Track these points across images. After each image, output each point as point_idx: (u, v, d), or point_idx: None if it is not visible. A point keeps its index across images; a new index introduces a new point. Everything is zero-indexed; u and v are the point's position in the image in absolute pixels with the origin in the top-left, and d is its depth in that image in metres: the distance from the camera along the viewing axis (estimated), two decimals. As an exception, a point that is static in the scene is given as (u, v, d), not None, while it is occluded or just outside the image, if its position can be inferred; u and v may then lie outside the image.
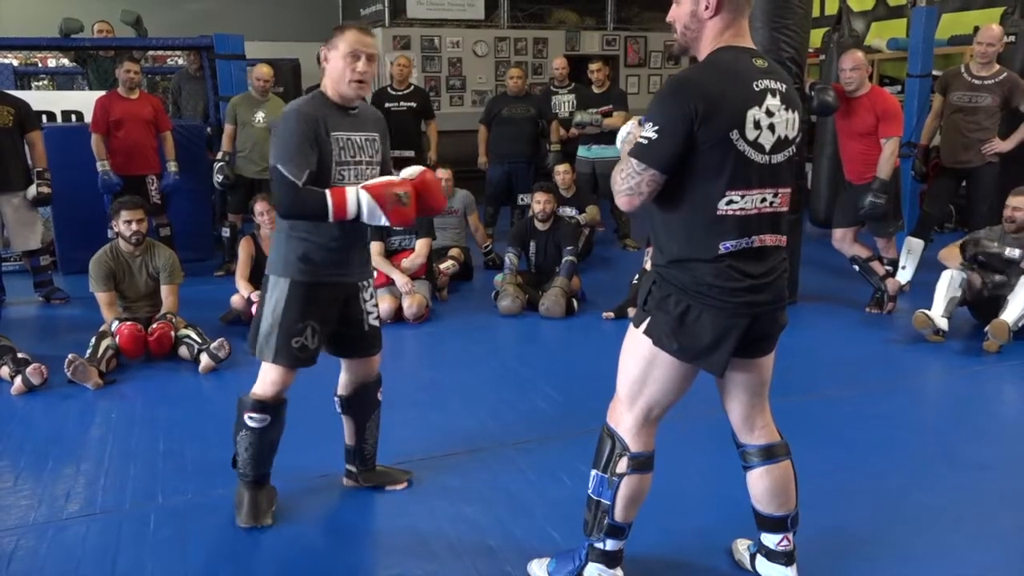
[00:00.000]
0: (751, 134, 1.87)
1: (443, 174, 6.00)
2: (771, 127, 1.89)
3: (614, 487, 2.07)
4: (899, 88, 7.09)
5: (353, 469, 2.87)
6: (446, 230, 5.91)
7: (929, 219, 5.64)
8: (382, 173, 2.61)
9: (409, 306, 4.88)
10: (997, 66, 5.34)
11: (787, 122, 1.93)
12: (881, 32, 8.49)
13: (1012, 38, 6.11)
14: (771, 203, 1.94)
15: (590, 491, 2.12)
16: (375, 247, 5.10)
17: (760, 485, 2.17)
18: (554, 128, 7.11)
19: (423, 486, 2.87)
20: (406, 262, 5.12)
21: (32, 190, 5.25)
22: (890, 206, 4.83)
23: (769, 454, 2.15)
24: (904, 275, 5.39)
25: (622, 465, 2.06)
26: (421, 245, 5.21)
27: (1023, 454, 3.16)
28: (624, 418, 2.07)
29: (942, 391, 4.04)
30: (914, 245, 5.40)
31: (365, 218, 2.38)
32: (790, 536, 2.21)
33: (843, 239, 5.08)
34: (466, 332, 4.81)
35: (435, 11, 9.95)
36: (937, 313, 4.35)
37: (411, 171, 2.54)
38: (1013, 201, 4.43)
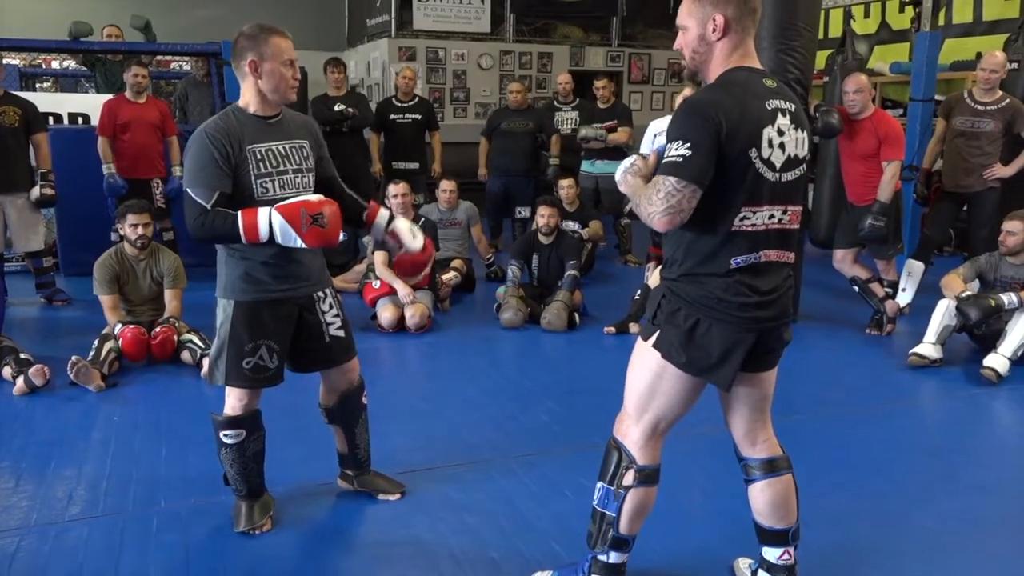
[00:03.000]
0: (765, 152, 1.90)
1: (447, 185, 6.04)
2: (782, 146, 1.93)
3: (620, 499, 2.08)
4: (901, 111, 7.14)
5: (348, 472, 2.88)
6: (449, 241, 5.93)
7: (930, 242, 5.68)
8: (319, 178, 2.58)
9: (411, 316, 4.89)
10: (1000, 92, 5.39)
11: (796, 141, 1.97)
12: (884, 56, 8.56)
13: (1015, 65, 6.17)
14: (780, 220, 1.98)
15: (595, 503, 2.14)
16: (379, 257, 5.13)
17: (762, 498, 2.18)
18: (554, 142, 7.15)
19: (425, 496, 2.87)
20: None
21: (36, 191, 5.27)
22: (890, 229, 4.86)
23: (771, 467, 2.16)
24: (904, 297, 5.42)
25: (629, 478, 2.07)
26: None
27: (1022, 479, 3.17)
28: (631, 431, 2.09)
29: (941, 414, 4.06)
30: (915, 268, 5.43)
31: (279, 239, 2.30)
32: (791, 550, 2.22)
33: (843, 260, 5.11)
34: (468, 343, 4.82)
35: (441, 23, 10.02)
36: (929, 341, 4.38)
37: (403, 227, 2.66)
38: (1007, 226, 4.46)
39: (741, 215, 1.92)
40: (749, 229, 1.93)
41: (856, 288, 5.11)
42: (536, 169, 7.18)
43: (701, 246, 1.95)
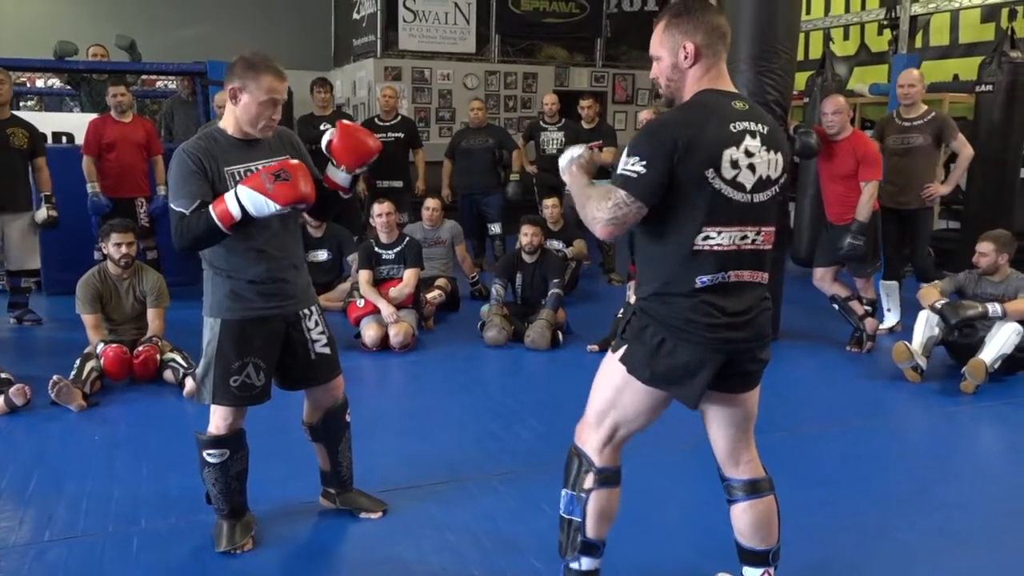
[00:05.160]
0: (728, 173, 1.93)
1: (431, 204, 6.07)
2: (751, 167, 1.96)
3: (583, 503, 2.12)
4: (880, 132, 7.23)
5: (330, 491, 2.88)
6: (433, 260, 5.95)
7: (891, 261, 5.73)
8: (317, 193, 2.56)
9: (395, 334, 4.90)
10: (925, 107, 5.46)
11: (769, 163, 1.99)
12: (863, 77, 8.69)
13: (989, 87, 6.29)
14: (753, 240, 2.01)
15: (562, 511, 2.18)
16: (364, 275, 5.15)
17: (744, 519, 2.20)
18: (515, 157, 7.22)
19: (407, 515, 2.87)
20: (394, 291, 5.15)
21: (43, 213, 5.31)
22: (869, 247, 4.93)
23: (753, 488, 2.18)
24: (891, 317, 5.52)
25: (589, 481, 2.12)
26: (409, 275, 5.24)
27: (999, 494, 3.21)
28: (590, 438, 2.14)
29: (920, 430, 4.10)
30: (889, 287, 5.54)
31: (252, 211, 2.27)
32: (771, 571, 2.24)
33: (823, 278, 5.17)
34: (452, 362, 4.84)
35: (426, 44, 10.10)
36: (915, 351, 4.43)
37: (325, 138, 2.56)
38: (979, 247, 4.54)
39: (703, 234, 1.95)
40: (715, 249, 1.96)
41: (836, 306, 5.17)
42: (499, 184, 7.24)
43: (667, 265, 2.00)
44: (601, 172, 6.74)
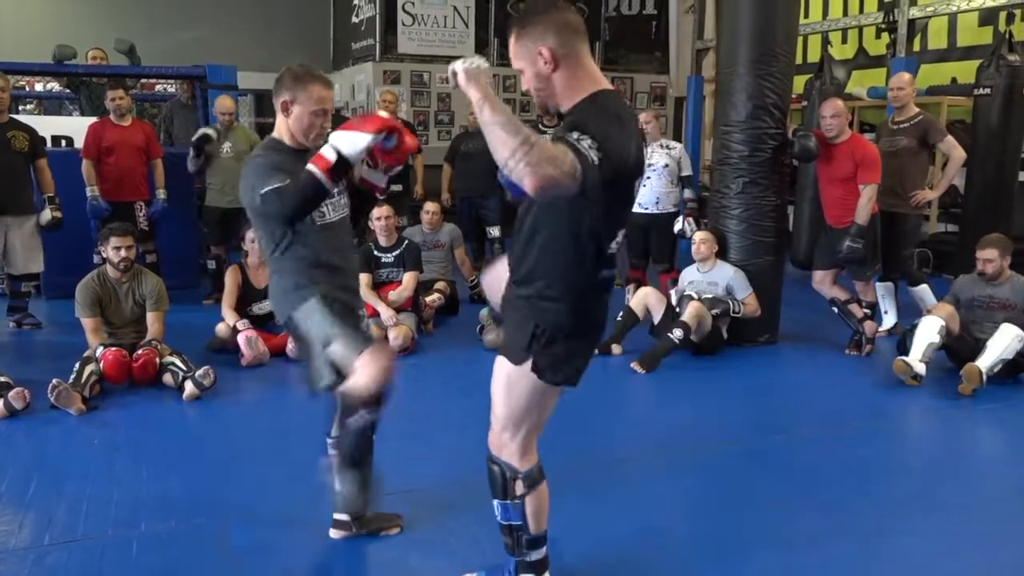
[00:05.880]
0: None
1: (430, 207, 6.08)
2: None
3: (520, 507, 2.18)
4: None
5: (345, 518, 2.72)
6: (433, 263, 5.95)
7: (887, 263, 5.73)
8: (351, 194, 2.61)
9: (395, 338, 4.90)
10: (915, 109, 5.46)
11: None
12: (862, 80, 8.71)
13: (987, 90, 6.30)
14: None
15: (500, 519, 2.23)
16: (363, 279, 5.14)
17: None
18: None
19: (407, 519, 2.86)
20: (393, 295, 5.15)
21: (47, 215, 5.31)
22: (868, 250, 4.94)
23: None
24: (889, 319, 5.52)
25: (519, 487, 2.17)
26: (408, 278, 5.25)
27: (998, 496, 3.21)
28: (507, 446, 2.17)
29: (919, 433, 4.10)
30: (886, 289, 5.54)
31: (346, 151, 2.27)
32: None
33: (822, 281, 5.18)
34: (451, 365, 4.84)
35: (425, 47, 10.13)
36: (915, 358, 4.43)
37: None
38: (983, 254, 4.54)
39: (617, 238, 2.03)
40: (613, 248, 2.05)
41: (835, 309, 5.17)
42: (498, 187, 7.22)
43: (582, 260, 1.99)
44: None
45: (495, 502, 2.21)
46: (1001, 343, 4.28)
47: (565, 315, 2.02)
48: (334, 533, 2.72)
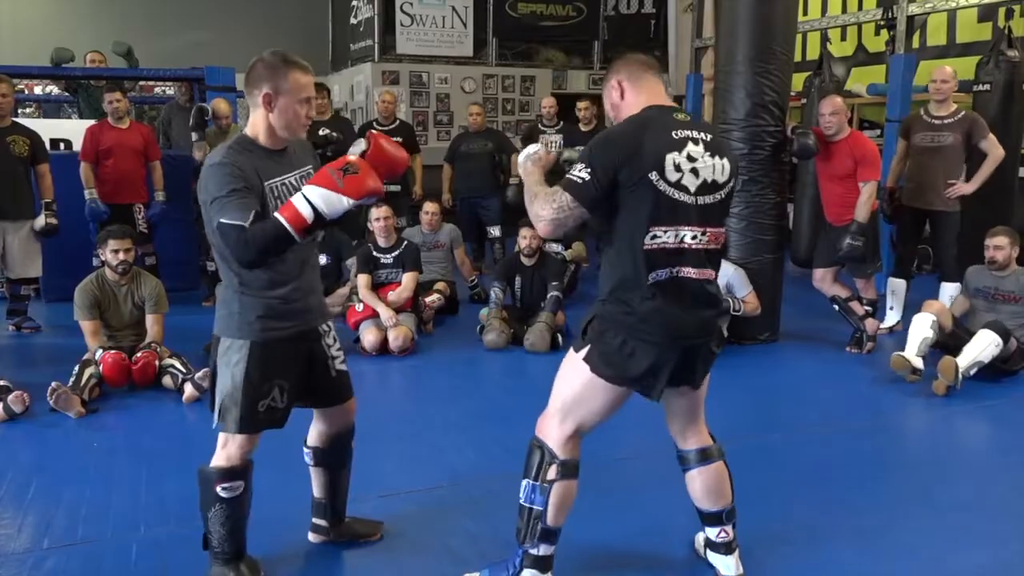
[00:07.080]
0: (672, 176, 2.10)
1: (430, 208, 6.08)
2: (695, 171, 2.12)
3: (546, 493, 2.24)
4: (878, 132, 7.25)
5: (323, 523, 2.69)
6: (432, 264, 5.95)
7: (902, 259, 5.73)
8: None
9: (395, 338, 4.90)
10: (955, 105, 5.41)
11: (713, 167, 2.16)
12: (861, 77, 8.69)
13: (987, 86, 6.28)
14: (699, 240, 2.16)
15: (522, 500, 2.28)
16: (362, 280, 5.15)
17: (696, 484, 2.43)
18: (514, 162, 7.21)
19: (407, 520, 2.86)
20: (392, 295, 5.15)
21: (41, 220, 5.30)
22: (868, 248, 4.92)
23: (703, 456, 2.42)
24: (892, 316, 5.51)
25: (552, 472, 2.24)
26: (408, 279, 5.24)
27: (998, 495, 3.20)
28: (554, 432, 2.26)
29: (919, 431, 4.09)
30: (896, 286, 5.51)
31: (325, 211, 2.06)
32: (728, 529, 2.44)
33: (823, 279, 5.17)
34: (451, 365, 4.83)
35: (424, 47, 10.12)
36: (911, 353, 4.42)
37: (353, 150, 2.27)
38: (994, 241, 4.51)
39: (651, 234, 2.11)
40: (662, 247, 2.12)
41: (836, 307, 5.16)
42: (498, 187, 7.24)
43: (622, 266, 2.16)
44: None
45: (524, 481, 2.27)
46: (978, 346, 4.25)
47: (615, 311, 2.17)
48: (312, 537, 2.71)
